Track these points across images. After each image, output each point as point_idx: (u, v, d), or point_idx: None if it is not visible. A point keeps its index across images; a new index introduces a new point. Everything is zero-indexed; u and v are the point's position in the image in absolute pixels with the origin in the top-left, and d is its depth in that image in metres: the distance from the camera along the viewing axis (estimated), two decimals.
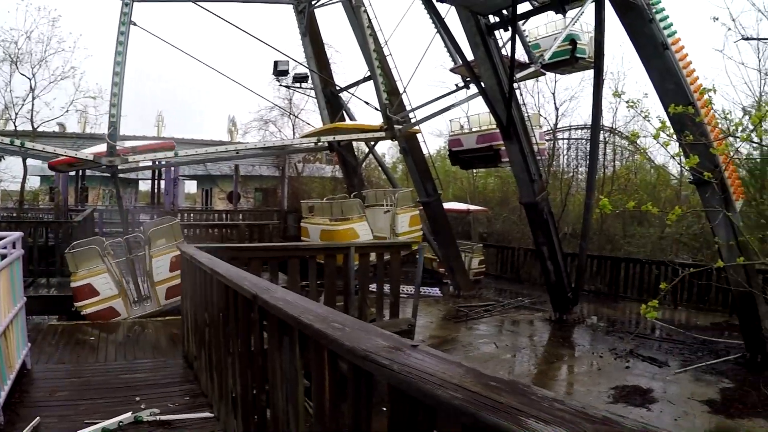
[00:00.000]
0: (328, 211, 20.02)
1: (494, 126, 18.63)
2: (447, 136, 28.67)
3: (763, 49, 19.21)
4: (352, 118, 23.41)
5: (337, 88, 24.40)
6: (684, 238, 25.54)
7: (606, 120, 29.78)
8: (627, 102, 7.75)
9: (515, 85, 16.91)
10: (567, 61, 19.80)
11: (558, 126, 32.66)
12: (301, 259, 9.28)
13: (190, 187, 48.78)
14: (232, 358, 5.05)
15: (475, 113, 23.88)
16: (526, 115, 18.61)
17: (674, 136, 9.27)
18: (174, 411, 5.92)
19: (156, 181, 36.07)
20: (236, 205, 36.93)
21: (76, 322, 11.76)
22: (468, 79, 19.66)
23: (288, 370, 3.40)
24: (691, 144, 9.83)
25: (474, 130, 23.77)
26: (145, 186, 46.36)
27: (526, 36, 20.28)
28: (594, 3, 15.07)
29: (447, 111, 19.90)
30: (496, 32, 16.62)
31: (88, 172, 31.35)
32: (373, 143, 23.29)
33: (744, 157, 20.12)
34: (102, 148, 17.16)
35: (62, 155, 16.88)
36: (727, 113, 11.52)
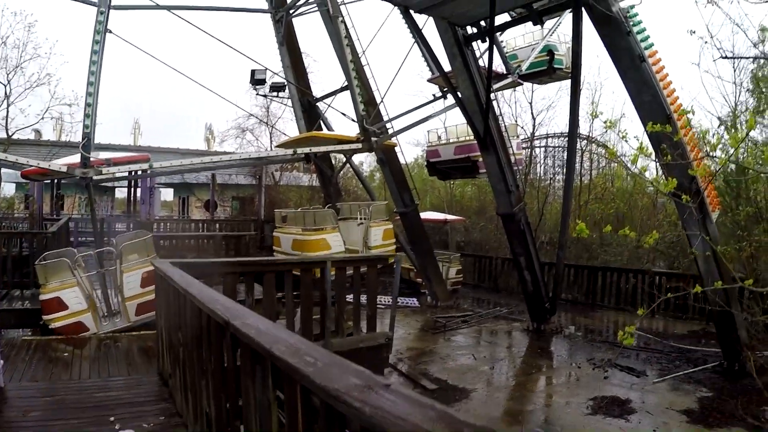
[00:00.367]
0: (301, 221, 19.93)
1: (472, 137, 18.64)
2: (424, 145, 28.76)
3: (738, 62, 19.48)
4: (329, 128, 23.35)
5: (315, 97, 24.34)
6: (660, 246, 25.76)
7: (583, 129, 30.06)
8: (604, 122, 7.75)
9: (492, 95, 16.96)
10: (544, 71, 19.93)
11: (535, 134, 32.87)
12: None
13: (167, 195, 48.52)
14: (206, 379, 4.95)
15: (453, 124, 23.93)
16: (503, 125, 18.69)
17: (653, 155, 9.32)
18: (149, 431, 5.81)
19: (132, 190, 35.74)
20: (213, 214, 36.69)
21: (50, 337, 11.56)
22: (445, 89, 19.69)
23: (261, 399, 3.33)
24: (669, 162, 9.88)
25: (452, 141, 23.79)
26: (121, 193, 45.98)
27: (504, 46, 20.38)
28: (571, 14, 15.12)
29: (424, 122, 19.93)
30: (474, 43, 16.71)
31: (64, 180, 30.98)
32: (350, 154, 23.25)
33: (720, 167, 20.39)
34: (77, 158, 16.92)
35: (35, 166, 16.63)
36: (705, 132, 11.66)
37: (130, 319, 12.57)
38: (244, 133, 38.93)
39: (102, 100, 16.86)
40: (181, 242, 23.58)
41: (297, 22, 23.71)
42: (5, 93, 27.94)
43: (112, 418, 6.11)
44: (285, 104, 27.71)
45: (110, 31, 16.49)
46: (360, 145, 19.17)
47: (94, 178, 16.70)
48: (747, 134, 6.12)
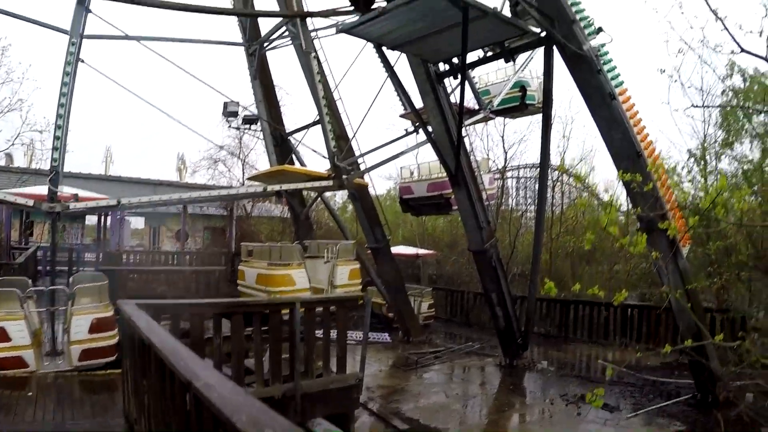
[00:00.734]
0: (267, 256, 19.81)
1: (445, 174, 18.70)
2: (396, 179, 28.78)
3: (707, 96, 19.92)
4: (301, 162, 23.27)
5: (287, 131, 24.29)
6: (632, 278, 26.02)
7: (555, 160, 30.42)
8: (575, 177, 7.82)
9: (464, 130, 17.04)
10: (517, 107, 20.11)
11: (508, 167, 33.13)
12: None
13: (138, 223, 47.96)
14: None
15: (426, 161, 23.99)
16: (474, 161, 18.76)
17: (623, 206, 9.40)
18: None
19: (102, 219, 35.32)
20: (184, 245, 36.38)
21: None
22: (417, 124, 19.77)
23: None
24: (641, 195, 9.97)
25: (425, 177, 23.83)
26: (92, 220, 45.57)
27: (476, 82, 20.56)
28: (543, 53, 15.29)
29: (396, 158, 19.98)
30: (446, 79, 16.84)
31: None
32: (321, 191, 23.17)
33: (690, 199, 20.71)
34: (45, 189, 16.68)
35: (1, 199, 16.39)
36: (674, 167, 11.83)
37: (72, 362, 12.31)
38: (216, 164, 38.69)
39: (74, 126, 16.63)
40: (150, 276, 23.29)
41: (271, 54, 23.73)
42: None
43: None
44: (257, 137, 27.63)
45: (83, 61, 16.33)
46: (330, 183, 19.09)
47: (61, 213, 16.44)
48: (719, 194, 6.21)
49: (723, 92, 18.59)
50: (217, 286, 23.44)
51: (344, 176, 19.09)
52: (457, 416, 13.11)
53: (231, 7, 22.35)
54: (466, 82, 16.23)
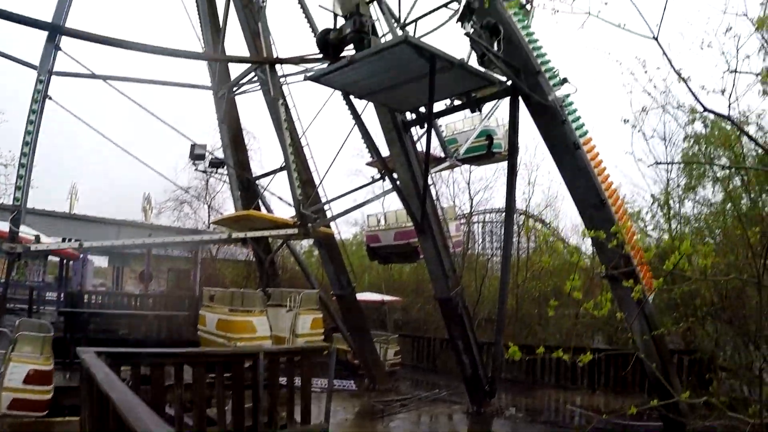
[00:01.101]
0: (229, 301, 19.61)
1: (412, 223, 18.78)
2: (362, 224, 28.73)
3: (669, 141, 20.42)
4: (267, 208, 23.16)
5: (253, 176, 24.23)
6: (599, 322, 26.12)
7: (520, 205, 30.80)
8: (542, 239, 7.95)
9: (430, 177, 17.17)
10: (483, 155, 20.30)
11: (474, 212, 33.40)
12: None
13: (102, 261, 47.08)
14: None
15: (393, 209, 24.00)
16: (440, 208, 18.85)
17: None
18: None
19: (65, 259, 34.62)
20: (147, 286, 35.81)
21: None
22: (384, 172, 19.87)
23: None
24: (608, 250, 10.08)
25: (392, 226, 23.81)
26: (55, 258, 44.67)
27: (443, 130, 20.78)
28: (509, 104, 15.51)
29: (362, 206, 20.14)
30: (413, 127, 17.02)
31: None
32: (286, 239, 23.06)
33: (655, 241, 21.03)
34: (5, 226, 16.40)
35: None
36: (639, 211, 12.02)
37: (0, 409, 11.96)
38: (182, 206, 38.37)
39: (39, 160, 16.36)
40: (111, 320, 22.90)
41: (239, 97, 23.75)
42: None
43: None
44: (224, 180, 27.47)
45: (50, 98, 16.21)
46: (296, 231, 19.04)
47: (22, 254, 16.16)
48: (682, 257, 6.37)
49: (685, 138, 19.00)
50: (179, 333, 23.04)
51: (309, 224, 19.07)
52: None
53: (201, 51, 22.42)
54: (433, 131, 16.44)
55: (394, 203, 25.27)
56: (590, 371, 20.23)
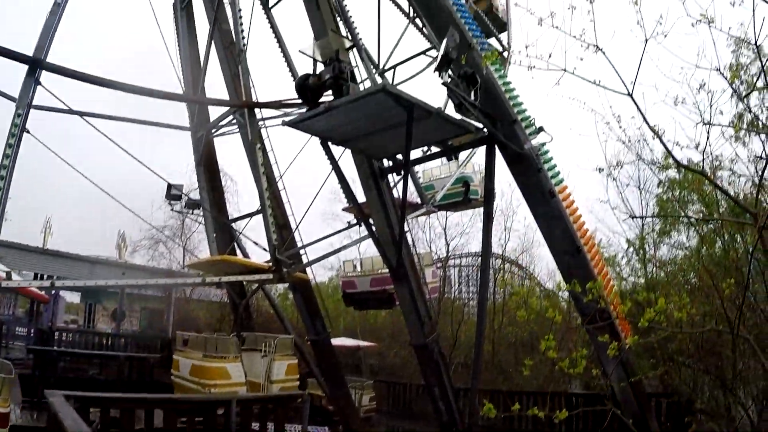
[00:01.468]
0: (202, 346, 19.32)
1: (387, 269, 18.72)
2: (339, 269, 28.57)
3: (644, 186, 20.65)
4: (243, 251, 22.94)
5: (229, 218, 24.05)
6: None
7: (496, 250, 30.86)
8: (516, 293, 7.97)
9: (406, 223, 17.15)
10: (460, 202, 20.37)
11: (450, 256, 33.44)
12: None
13: (74, 297, 46.30)
14: None
15: (369, 255, 24.04)
16: (416, 254, 18.80)
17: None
18: None
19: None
20: (119, 325, 35.32)
21: None
22: (360, 218, 19.84)
23: None
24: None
25: (368, 272, 23.72)
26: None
27: (419, 177, 20.86)
28: (485, 150, 15.56)
29: (338, 252, 20.04)
30: (390, 174, 17.03)
31: None
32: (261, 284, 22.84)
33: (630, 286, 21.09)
34: None
35: None
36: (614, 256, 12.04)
37: None
38: (157, 245, 38.09)
39: (14, 192, 16.02)
40: (81, 360, 22.49)
41: (218, 138, 23.65)
42: None
43: None
44: (200, 221, 27.27)
45: (27, 131, 15.98)
46: (271, 276, 18.87)
47: None
48: (657, 314, 6.39)
49: (659, 184, 19.22)
50: (151, 375, 22.62)
51: (285, 269, 18.89)
52: None
53: (181, 92, 22.36)
54: (409, 178, 16.45)
55: (370, 249, 25.24)
56: (567, 417, 20.02)
